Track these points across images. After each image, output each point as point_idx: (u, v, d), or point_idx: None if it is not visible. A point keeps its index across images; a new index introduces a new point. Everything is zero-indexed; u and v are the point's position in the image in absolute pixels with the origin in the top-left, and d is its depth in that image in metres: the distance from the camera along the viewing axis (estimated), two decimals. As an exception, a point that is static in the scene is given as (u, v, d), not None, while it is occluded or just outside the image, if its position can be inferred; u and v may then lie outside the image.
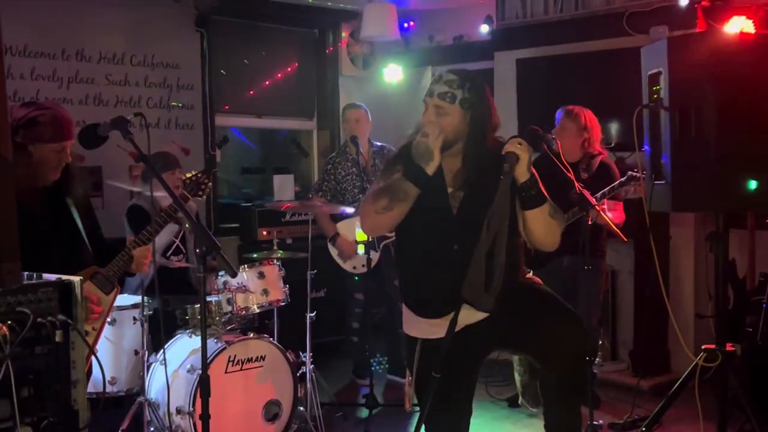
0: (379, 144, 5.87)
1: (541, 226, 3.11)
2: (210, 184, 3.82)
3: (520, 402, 4.90)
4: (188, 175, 3.83)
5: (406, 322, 3.30)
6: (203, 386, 2.67)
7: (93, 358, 3.21)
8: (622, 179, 4.67)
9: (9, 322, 2.09)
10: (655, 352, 5.65)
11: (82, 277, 3.04)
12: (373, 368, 5.18)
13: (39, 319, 2.16)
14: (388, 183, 3.12)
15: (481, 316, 3.11)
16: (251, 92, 7.22)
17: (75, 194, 3.49)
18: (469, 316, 3.08)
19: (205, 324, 2.66)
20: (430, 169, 3.02)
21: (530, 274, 3.39)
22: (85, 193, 3.61)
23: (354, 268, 5.72)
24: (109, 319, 3.97)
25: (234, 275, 2.80)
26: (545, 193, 3.11)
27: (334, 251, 5.76)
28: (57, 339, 2.18)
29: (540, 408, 4.59)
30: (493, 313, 3.06)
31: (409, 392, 3.51)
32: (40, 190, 3.35)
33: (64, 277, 2.29)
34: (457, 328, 3.10)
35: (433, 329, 3.14)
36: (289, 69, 7.45)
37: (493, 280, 2.98)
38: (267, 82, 7.29)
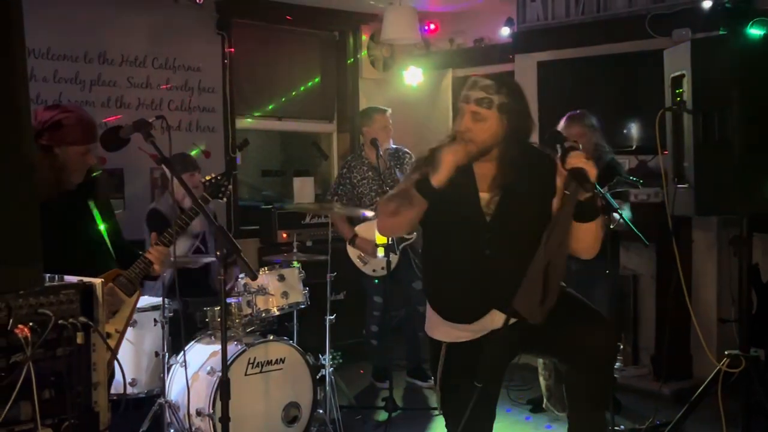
0: (394, 146, 5.85)
1: (592, 237, 3.05)
2: (230, 186, 3.82)
3: (544, 406, 4.85)
4: (207, 177, 3.82)
5: (431, 326, 3.27)
6: (223, 389, 2.66)
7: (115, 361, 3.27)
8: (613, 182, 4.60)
9: (31, 324, 2.10)
10: (677, 357, 5.60)
11: (104, 280, 3.11)
12: (392, 371, 5.16)
13: (60, 321, 2.18)
14: (402, 187, 3.12)
15: (501, 321, 3.09)
16: (272, 95, 7.22)
17: (98, 198, 3.52)
18: (496, 320, 3.07)
19: (224, 326, 2.66)
20: (435, 182, 2.96)
21: None
22: (108, 197, 3.67)
23: (373, 270, 5.72)
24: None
25: (254, 278, 2.81)
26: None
27: (353, 253, 5.75)
28: (78, 341, 2.19)
29: (564, 412, 4.57)
30: (517, 328, 3.04)
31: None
32: (65, 194, 3.37)
33: (86, 279, 2.30)
34: (483, 333, 3.10)
35: (460, 333, 3.13)
36: (309, 72, 7.46)
37: (548, 295, 2.96)
38: (287, 85, 7.30)
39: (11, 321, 2.07)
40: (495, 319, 3.08)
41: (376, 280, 5.74)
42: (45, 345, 2.15)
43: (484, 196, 3.11)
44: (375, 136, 5.65)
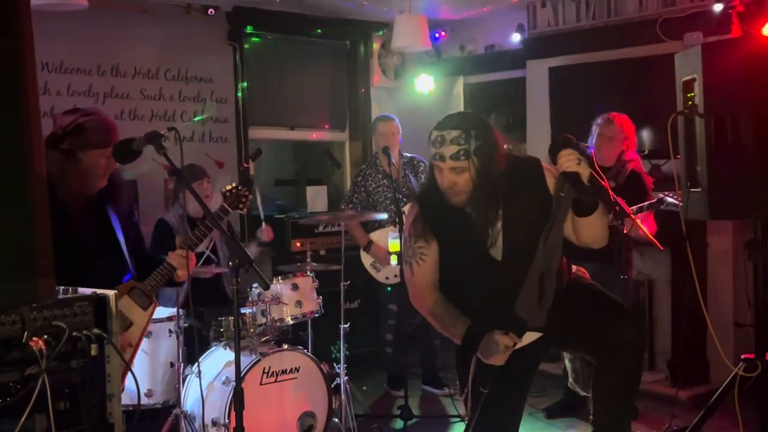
0: (408, 155, 5.87)
1: (593, 230, 3.09)
2: (250, 196, 3.76)
3: (569, 384, 4.85)
4: (228, 187, 3.75)
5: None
6: (237, 399, 2.67)
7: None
8: (653, 201, 4.60)
9: (45, 336, 2.11)
10: (694, 362, 5.57)
11: (120, 292, 3.11)
12: (407, 379, 5.15)
13: (74, 333, 2.19)
14: (450, 312, 3.17)
15: (534, 336, 3.09)
16: (284, 105, 7.25)
17: (118, 204, 3.47)
18: (525, 338, 3.07)
19: (239, 336, 2.67)
20: (486, 360, 3.05)
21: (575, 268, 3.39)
22: (129, 203, 3.65)
23: (386, 278, 5.72)
24: (144, 333, 3.98)
25: (267, 288, 2.81)
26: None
27: (367, 261, 5.76)
28: (92, 353, 2.20)
29: (589, 393, 4.56)
30: (545, 328, 3.05)
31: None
32: (86, 200, 3.34)
33: (99, 291, 2.31)
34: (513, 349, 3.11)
35: None
36: (320, 81, 7.48)
37: (544, 297, 2.97)
38: (299, 95, 7.32)
39: (26, 334, 2.08)
40: (528, 337, 3.08)
41: (389, 288, 5.74)
42: (59, 357, 2.16)
43: (494, 250, 3.13)
44: (384, 143, 5.67)
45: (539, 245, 2.97)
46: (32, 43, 1.67)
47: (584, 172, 2.91)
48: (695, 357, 5.59)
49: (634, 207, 4.58)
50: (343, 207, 5.86)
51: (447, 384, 5.81)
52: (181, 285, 3.70)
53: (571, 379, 4.82)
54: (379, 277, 5.74)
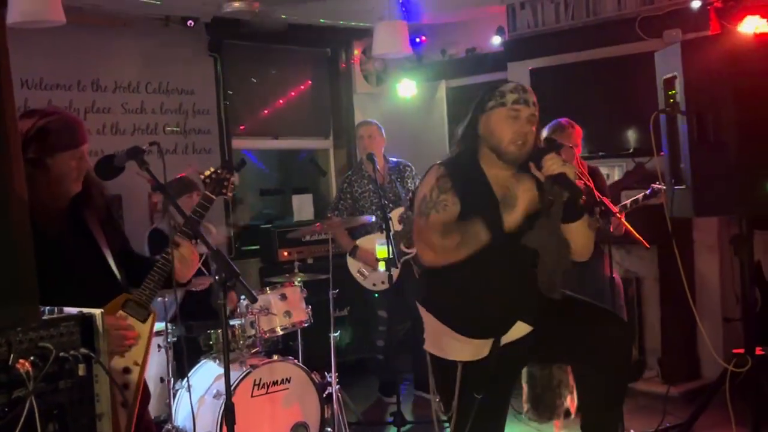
0: (395, 159, 5.86)
1: (581, 237, 3.08)
2: (233, 179, 3.29)
3: (527, 415, 4.76)
4: (207, 173, 3.28)
5: (444, 346, 3.20)
6: (228, 414, 2.65)
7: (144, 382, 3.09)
8: (647, 192, 4.61)
9: (32, 358, 2.08)
10: (685, 359, 5.59)
11: (111, 308, 2.96)
12: (399, 385, 5.14)
13: (61, 354, 2.15)
14: (462, 222, 3.01)
15: (524, 332, 3.09)
16: (267, 114, 7.24)
17: (96, 208, 3.14)
18: (513, 332, 3.07)
19: (227, 351, 2.64)
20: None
21: None
22: (107, 203, 3.25)
23: (374, 285, 5.71)
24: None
25: (254, 301, 2.78)
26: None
27: (353, 268, 5.74)
28: (80, 373, 2.17)
29: (550, 421, 4.56)
30: (535, 326, 3.06)
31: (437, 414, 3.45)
32: (61, 211, 3.03)
33: (86, 310, 2.28)
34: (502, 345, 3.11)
35: (480, 350, 3.11)
36: (303, 89, 7.48)
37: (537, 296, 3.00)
38: (282, 103, 7.32)
39: (12, 356, 2.06)
40: (518, 330, 3.08)
41: (376, 294, 5.74)
42: (47, 378, 2.12)
43: (509, 218, 3.10)
44: (365, 147, 5.69)
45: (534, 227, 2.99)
46: (8, 60, 1.65)
47: (570, 171, 2.92)
48: (686, 353, 5.61)
49: (627, 201, 4.57)
50: (329, 214, 5.84)
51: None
52: (186, 285, 3.35)
53: (527, 407, 4.73)
54: (366, 284, 5.73)
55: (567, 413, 4.41)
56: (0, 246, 1.63)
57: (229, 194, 3.19)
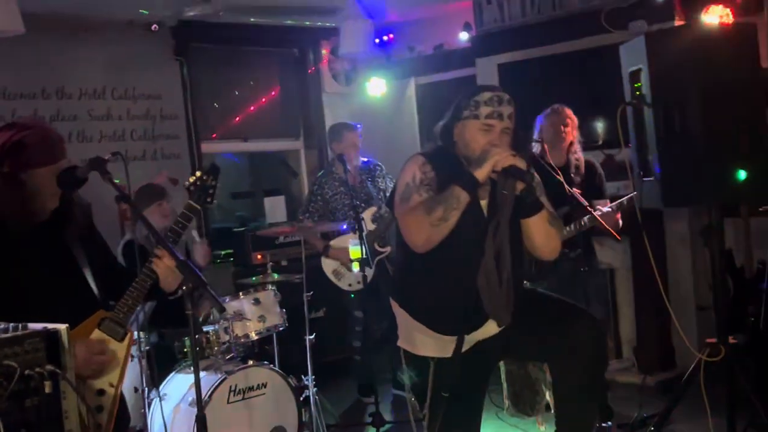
0: (365, 160, 5.84)
1: (541, 234, 3.09)
2: (217, 185, 3.14)
3: (508, 412, 4.74)
4: (191, 179, 3.11)
5: (418, 343, 3.21)
6: (200, 425, 2.61)
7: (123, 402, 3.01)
8: (613, 205, 4.58)
9: (-5, 377, 2.05)
10: (660, 349, 5.62)
11: (87, 326, 2.89)
12: (377, 385, 5.13)
13: (27, 371, 2.12)
14: (439, 194, 2.99)
15: (495, 330, 3.09)
16: (236, 116, 7.19)
17: (76, 224, 3.05)
18: (484, 331, 3.07)
19: (197, 361, 2.61)
20: (480, 175, 2.93)
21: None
22: (88, 218, 3.19)
23: (349, 285, 5.69)
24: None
25: (222, 311, 2.75)
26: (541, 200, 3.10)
27: (328, 269, 5.72)
28: (46, 390, 2.13)
29: (533, 416, 4.55)
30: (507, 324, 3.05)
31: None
32: (37, 228, 2.92)
33: (50, 325, 2.24)
34: (469, 345, 3.09)
35: (451, 347, 3.10)
36: (271, 90, 7.43)
37: (504, 293, 2.99)
38: (251, 105, 7.27)
39: (-25, 376, 2.02)
40: (488, 329, 3.07)
41: (352, 295, 5.72)
42: (12, 397, 2.09)
43: (483, 203, 3.11)
44: (343, 152, 5.62)
45: (487, 240, 2.99)
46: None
47: (521, 163, 2.92)
48: (661, 343, 5.63)
49: (607, 207, 4.52)
50: (300, 217, 5.82)
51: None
52: (176, 294, 3.15)
53: (508, 404, 4.71)
54: (342, 284, 5.71)
55: (548, 408, 4.41)
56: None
57: (213, 202, 3.09)
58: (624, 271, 5.88)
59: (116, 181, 2.81)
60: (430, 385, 3.14)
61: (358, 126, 5.83)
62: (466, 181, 2.94)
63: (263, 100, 7.37)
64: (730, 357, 3.71)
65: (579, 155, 4.94)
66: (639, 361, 5.66)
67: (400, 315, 3.26)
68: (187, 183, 3.11)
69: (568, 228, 4.54)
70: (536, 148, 4.86)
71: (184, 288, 2.57)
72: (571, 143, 4.91)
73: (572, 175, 4.83)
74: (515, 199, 2.99)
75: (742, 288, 4.97)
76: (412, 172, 3.10)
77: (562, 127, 4.88)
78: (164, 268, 2.93)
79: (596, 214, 4.51)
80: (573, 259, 4.81)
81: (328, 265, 5.72)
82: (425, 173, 3.08)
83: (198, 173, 3.10)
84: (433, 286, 3.15)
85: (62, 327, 2.24)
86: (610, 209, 4.43)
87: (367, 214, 5.61)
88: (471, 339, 3.12)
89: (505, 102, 3.06)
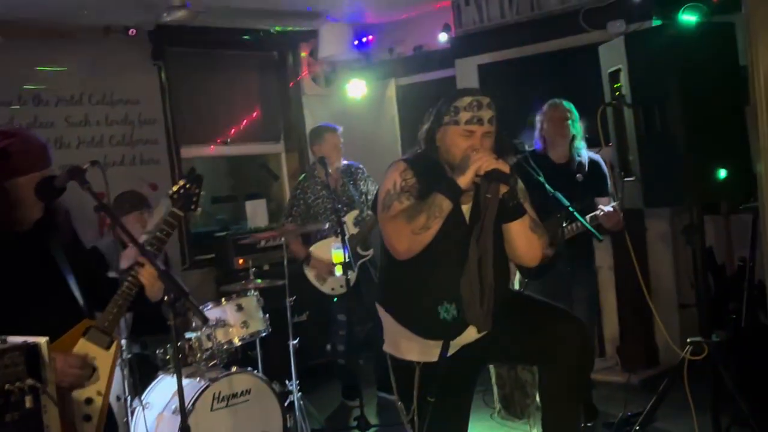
0: (346, 162, 5.82)
1: (522, 239, 3.08)
2: (201, 192, 3.16)
3: (499, 415, 4.75)
4: (175, 188, 3.12)
5: (403, 348, 3.20)
6: (184, 435, 2.59)
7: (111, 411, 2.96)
8: (615, 203, 4.52)
9: (-25, 393, 2.02)
10: (643, 347, 5.64)
11: (72, 335, 2.84)
12: (362, 388, 5.11)
13: (6, 386, 2.09)
14: (420, 202, 2.98)
15: (477, 334, 3.09)
16: (215, 120, 7.14)
17: (61, 233, 3.03)
18: (467, 335, 3.06)
19: (180, 370, 2.58)
20: (462, 183, 2.92)
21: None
22: (72, 228, 3.15)
23: (332, 289, 5.67)
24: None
25: (205, 321, 2.69)
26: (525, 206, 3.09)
27: (310, 273, 5.70)
28: (27, 405, 2.11)
29: (524, 419, 4.56)
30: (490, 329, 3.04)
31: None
32: (20, 237, 2.87)
33: (30, 339, 2.21)
34: (454, 349, 3.08)
35: (436, 351, 3.09)
36: (251, 94, 7.39)
37: (485, 299, 2.97)
38: (230, 109, 7.22)
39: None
40: (472, 333, 3.07)
41: (335, 299, 5.70)
42: (-8, 413, 2.06)
43: (465, 209, 3.10)
44: (325, 154, 5.60)
45: (470, 245, 2.99)
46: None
47: (503, 167, 2.91)
48: (644, 341, 5.65)
49: (609, 206, 4.49)
50: (283, 221, 5.80)
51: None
52: (158, 305, 3.12)
53: (499, 407, 4.72)
54: (325, 288, 5.69)
55: (538, 409, 4.42)
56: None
57: (198, 210, 3.08)
58: (606, 270, 5.89)
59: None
60: (416, 389, 3.14)
61: (339, 128, 5.79)
62: (449, 189, 2.94)
63: (243, 103, 7.32)
64: (714, 355, 3.72)
65: (583, 151, 4.84)
66: (622, 359, 5.68)
67: (386, 320, 3.26)
68: (170, 191, 3.11)
69: (570, 227, 4.51)
70: (538, 144, 4.83)
71: (166, 298, 2.54)
72: (574, 138, 4.79)
73: (576, 172, 4.75)
74: (498, 203, 2.99)
75: (723, 285, 4.99)
76: (393, 179, 3.10)
77: (562, 122, 4.77)
78: (149, 276, 2.90)
79: (596, 213, 4.49)
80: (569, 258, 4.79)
81: (310, 270, 5.70)
82: (406, 180, 3.08)
83: (181, 182, 3.11)
84: (416, 290, 3.14)
85: (42, 341, 2.22)
86: (612, 208, 4.39)
87: (349, 218, 5.59)
88: (456, 343, 3.11)
89: (485, 106, 3.05)
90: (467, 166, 2.93)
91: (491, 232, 3.01)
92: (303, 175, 5.94)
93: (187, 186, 3.09)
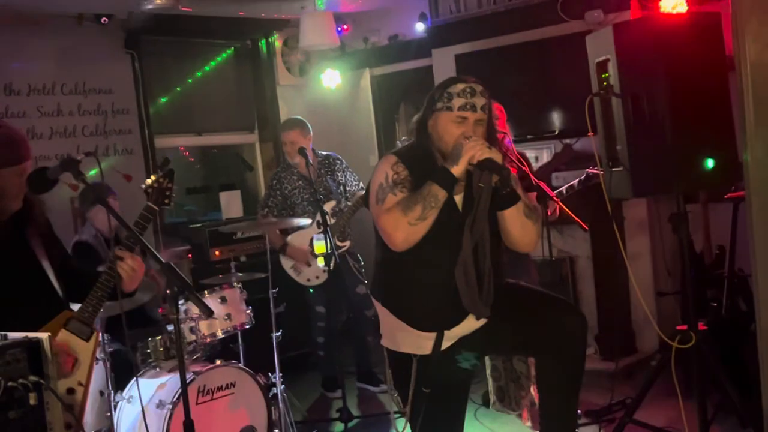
0: (324, 153, 5.78)
1: (517, 226, 3.08)
2: (173, 187, 3.25)
3: (493, 408, 4.77)
4: (148, 182, 3.19)
5: (398, 340, 3.19)
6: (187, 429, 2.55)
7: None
8: (582, 177, 4.63)
9: (-21, 390, 1.96)
10: (620, 334, 5.69)
11: (53, 326, 2.83)
12: (343, 379, 5.09)
13: (10, 383, 2.04)
14: (416, 192, 2.97)
15: (476, 325, 3.08)
16: (189, 110, 7.04)
17: (38, 225, 3.06)
18: (465, 327, 3.05)
19: (183, 364, 2.54)
20: (456, 171, 2.93)
21: None
22: (47, 220, 3.17)
23: (308, 280, 5.65)
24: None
25: (210, 314, 2.66)
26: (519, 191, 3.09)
27: (287, 264, 5.67)
28: (31, 402, 2.06)
29: (518, 411, 4.58)
30: (487, 319, 3.03)
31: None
32: (0, 228, 2.90)
33: (32, 334, 2.16)
34: (451, 341, 3.08)
35: (432, 343, 3.09)
36: (225, 83, 7.30)
37: (483, 286, 2.96)
38: (204, 99, 7.13)
39: (-42, 390, 1.93)
40: (469, 325, 3.06)
41: (311, 290, 5.67)
42: (-5, 410, 2.01)
43: (457, 198, 3.09)
44: (287, 153, 5.61)
45: (464, 234, 2.99)
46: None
47: (497, 155, 2.92)
48: (621, 329, 5.70)
49: (563, 187, 4.59)
50: (259, 212, 5.75)
51: (383, 380, 5.77)
52: (131, 296, 3.26)
53: (494, 399, 4.73)
54: (301, 279, 5.66)
55: (533, 403, 4.44)
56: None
57: (171, 204, 3.15)
58: (585, 259, 5.93)
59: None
60: (412, 381, 3.13)
61: (296, 122, 5.69)
62: (443, 178, 2.94)
63: (217, 93, 7.23)
64: (701, 343, 3.75)
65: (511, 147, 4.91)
66: (601, 347, 5.72)
67: (382, 313, 3.24)
68: (144, 185, 3.19)
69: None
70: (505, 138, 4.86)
71: (168, 291, 2.51)
72: (504, 136, 4.85)
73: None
74: (491, 191, 2.99)
75: (701, 274, 5.05)
76: (384, 172, 3.09)
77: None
78: (127, 269, 2.97)
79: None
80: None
81: (286, 261, 5.66)
82: (398, 173, 3.07)
83: (154, 176, 3.20)
84: (411, 282, 3.14)
85: (44, 336, 2.17)
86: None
87: (327, 208, 5.55)
88: (453, 335, 3.11)
89: (478, 93, 3.06)
90: (460, 155, 2.93)
91: (486, 221, 3.02)
92: (280, 166, 5.90)
93: (161, 180, 3.18)
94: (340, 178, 5.72)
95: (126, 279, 2.99)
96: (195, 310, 4.38)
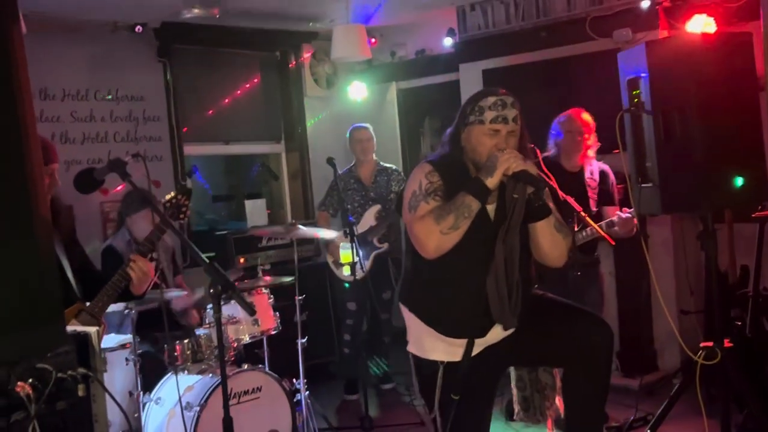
0: (385, 165, 6.05)
1: (547, 239, 3.11)
2: (189, 204, 3.63)
3: (517, 418, 4.78)
4: (168, 197, 3.57)
5: (427, 347, 3.22)
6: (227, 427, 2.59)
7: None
8: (613, 219, 4.62)
9: (31, 380, 2.01)
10: (643, 352, 5.69)
11: (66, 316, 2.92)
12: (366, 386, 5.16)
13: (60, 374, 2.09)
14: (449, 202, 3.00)
15: (503, 335, 3.11)
16: (218, 119, 7.13)
17: (61, 229, 3.22)
18: (492, 336, 3.09)
19: (223, 364, 2.59)
20: (490, 184, 2.97)
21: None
22: (71, 226, 3.38)
23: (347, 275, 5.75)
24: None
25: (253, 313, 2.72)
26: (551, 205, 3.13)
27: (329, 259, 5.93)
28: (80, 393, 2.10)
29: (543, 422, 4.58)
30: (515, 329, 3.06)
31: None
32: None
33: (80, 327, 2.22)
34: (479, 349, 3.11)
35: (461, 351, 3.12)
36: (253, 93, 7.39)
37: (512, 297, 3.00)
38: (233, 108, 7.22)
39: (11, 378, 1.98)
40: (496, 334, 3.10)
41: (347, 285, 5.76)
42: (45, 401, 2.06)
43: (489, 209, 3.13)
44: (361, 150, 5.94)
45: (497, 244, 3.02)
46: (26, 73, 1.60)
47: (531, 168, 2.97)
48: (644, 346, 5.71)
49: (627, 213, 4.57)
50: (317, 212, 6.17)
51: (393, 379, 6.06)
52: (140, 298, 3.53)
53: (518, 410, 4.74)
54: (340, 273, 5.79)
55: (558, 414, 4.45)
56: (25, 265, 1.57)
57: (185, 219, 3.55)
58: (607, 276, 5.94)
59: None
60: (439, 388, 3.15)
61: (366, 125, 6.04)
62: (477, 190, 2.98)
63: (245, 103, 7.31)
64: (726, 360, 3.77)
65: (593, 161, 4.95)
66: (623, 364, 5.73)
67: (410, 319, 3.27)
68: (163, 200, 3.57)
69: (583, 233, 4.59)
70: (552, 151, 4.91)
71: (212, 290, 2.58)
72: (588, 148, 4.88)
73: (587, 180, 4.87)
74: (525, 203, 3.03)
75: (725, 293, 5.05)
76: (419, 180, 3.13)
77: (578, 137, 4.86)
78: (138, 271, 3.24)
79: (612, 219, 4.57)
80: (585, 265, 4.86)
81: (329, 256, 5.94)
82: (432, 181, 3.11)
83: (173, 193, 3.60)
84: (441, 290, 3.17)
85: (92, 330, 2.23)
86: (630, 215, 4.48)
87: (372, 210, 5.86)
88: (481, 343, 3.14)
89: (509, 105, 3.10)
90: (495, 167, 2.97)
91: (518, 232, 3.05)
92: (344, 169, 6.10)
93: (178, 197, 3.56)
94: (394, 187, 5.90)
95: (135, 281, 3.24)
96: (223, 315, 4.43)
